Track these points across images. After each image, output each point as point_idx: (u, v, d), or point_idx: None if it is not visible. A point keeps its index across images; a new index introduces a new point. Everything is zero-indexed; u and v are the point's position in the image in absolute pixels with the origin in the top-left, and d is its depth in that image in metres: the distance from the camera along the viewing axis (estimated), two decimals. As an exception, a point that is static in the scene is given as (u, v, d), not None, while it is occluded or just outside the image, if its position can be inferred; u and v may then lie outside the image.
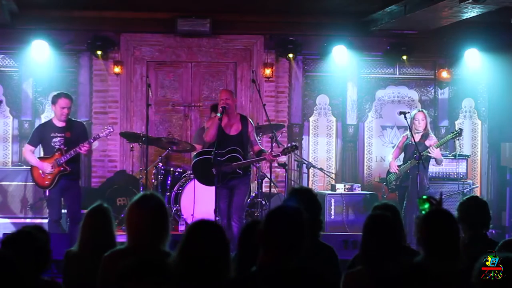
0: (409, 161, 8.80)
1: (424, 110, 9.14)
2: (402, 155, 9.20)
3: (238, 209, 7.70)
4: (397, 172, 8.93)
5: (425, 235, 3.47)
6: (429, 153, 8.65)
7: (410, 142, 8.87)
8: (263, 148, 7.93)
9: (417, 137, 8.79)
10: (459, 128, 9.37)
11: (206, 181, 7.84)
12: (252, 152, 8.01)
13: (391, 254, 3.62)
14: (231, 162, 7.60)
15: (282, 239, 2.99)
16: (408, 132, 9.00)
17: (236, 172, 7.65)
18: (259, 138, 8.56)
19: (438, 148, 8.84)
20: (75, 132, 8.01)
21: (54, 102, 8.01)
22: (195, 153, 8.20)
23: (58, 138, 7.95)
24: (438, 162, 8.93)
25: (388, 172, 9.23)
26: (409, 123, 8.80)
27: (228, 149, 7.63)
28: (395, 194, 9.15)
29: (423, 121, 8.82)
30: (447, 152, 10.38)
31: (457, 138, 9.47)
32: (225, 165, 7.59)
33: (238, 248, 3.62)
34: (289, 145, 8.41)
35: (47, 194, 8.14)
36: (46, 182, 7.96)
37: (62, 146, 7.91)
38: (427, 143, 8.78)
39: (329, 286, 3.09)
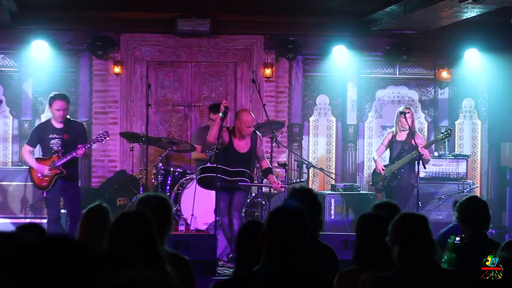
0: (400, 160, 8.81)
1: (411, 108, 9.18)
2: (387, 154, 9.23)
3: (239, 208, 7.81)
4: (382, 173, 8.96)
5: (397, 232, 3.45)
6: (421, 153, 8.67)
7: (398, 140, 8.91)
8: (270, 166, 7.96)
9: (404, 135, 8.85)
10: (449, 129, 9.40)
11: (212, 188, 7.94)
12: (259, 167, 8.07)
13: (386, 254, 3.62)
14: (238, 182, 7.70)
15: (285, 238, 3.00)
16: (394, 129, 9.04)
17: (239, 186, 7.76)
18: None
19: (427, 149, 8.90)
20: (74, 133, 8.02)
21: (50, 104, 8.05)
22: (199, 168, 8.21)
23: (56, 140, 7.96)
24: (425, 162, 8.83)
25: (375, 172, 9.24)
26: (395, 120, 8.90)
27: (236, 170, 7.67)
28: (380, 194, 9.21)
29: (410, 119, 8.85)
30: (447, 152, 10.38)
31: (447, 138, 9.45)
32: (232, 182, 7.70)
33: (236, 248, 3.63)
34: (298, 180, 8.63)
35: (45, 195, 8.19)
36: (44, 184, 8.01)
37: (59, 148, 7.93)
38: (416, 141, 8.79)
39: (330, 286, 3.10)
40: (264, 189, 9.32)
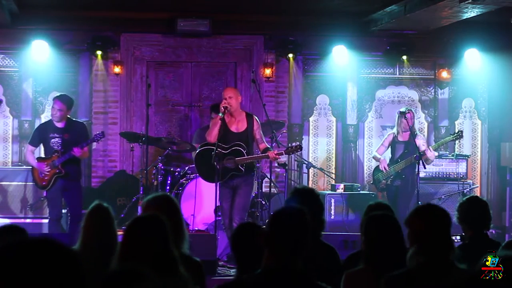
0: (404, 160, 8.83)
1: (412, 109, 9.21)
2: (388, 154, 9.24)
3: (240, 211, 7.66)
4: (385, 171, 8.98)
5: (418, 229, 3.46)
6: (426, 154, 8.69)
7: (400, 140, 8.94)
8: (269, 146, 7.91)
9: (406, 136, 8.88)
10: (460, 130, 9.39)
11: (207, 176, 7.83)
12: (258, 151, 8.01)
13: (396, 254, 3.62)
14: (235, 156, 7.61)
15: (287, 241, 2.99)
16: (395, 130, 9.08)
17: (238, 169, 7.63)
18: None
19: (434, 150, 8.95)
20: (74, 133, 8.04)
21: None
22: (199, 145, 8.19)
23: (57, 139, 8.00)
24: (428, 163, 8.92)
25: (376, 171, 9.25)
26: (396, 121, 8.93)
27: (232, 144, 7.65)
28: (381, 193, 9.22)
29: (410, 120, 8.88)
30: (447, 152, 10.38)
31: (458, 140, 9.48)
32: (227, 159, 7.60)
33: (233, 251, 3.63)
34: (293, 144, 8.43)
35: (45, 194, 8.21)
36: (44, 183, 8.06)
37: (59, 148, 7.96)
38: (417, 141, 8.82)
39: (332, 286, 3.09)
40: (264, 189, 9.33)
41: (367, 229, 3.81)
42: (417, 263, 3.36)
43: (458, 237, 4.77)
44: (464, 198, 4.80)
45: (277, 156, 7.77)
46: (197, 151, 7.95)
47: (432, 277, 3.31)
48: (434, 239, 3.40)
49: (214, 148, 7.51)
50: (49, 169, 7.96)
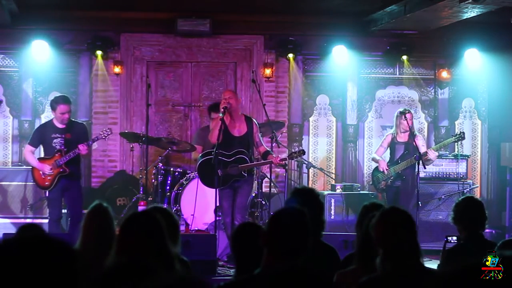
0: (405, 161, 8.84)
1: (411, 110, 9.23)
2: (387, 155, 9.25)
3: (242, 209, 7.75)
4: (386, 172, 8.98)
5: (380, 234, 3.43)
6: (427, 154, 8.70)
7: (400, 141, 8.96)
8: (269, 149, 7.94)
9: (405, 136, 8.89)
10: (462, 132, 9.39)
11: (210, 183, 7.83)
12: (257, 153, 8.03)
13: None
14: (238, 164, 7.64)
15: (287, 241, 2.99)
16: (393, 131, 9.09)
17: (241, 175, 7.69)
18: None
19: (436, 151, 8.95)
20: (76, 133, 8.05)
21: (53, 108, 8.07)
22: (200, 154, 8.22)
23: (59, 139, 8.00)
24: (429, 163, 8.98)
25: (376, 171, 9.25)
26: (395, 122, 8.94)
27: (235, 151, 7.66)
28: (381, 194, 9.22)
29: (410, 121, 8.90)
30: (447, 152, 10.38)
31: (460, 141, 9.48)
32: (231, 167, 7.62)
33: (233, 251, 3.63)
34: (296, 149, 8.47)
35: (47, 194, 8.20)
36: (46, 183, 8.02)
37: (62, 147, 7.95)
38: (417, 142, 8.83)
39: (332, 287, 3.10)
40: (264, 189, 9.32)
41: (361, 229, 3.81)
42: (383, 268, 3.33)
43: (454, 238, 4.76)
44: (460, 199, 4.79)
45: (282, 162, 7.83)
46: (200, 161, 7.95)
47: (401, 282, 3.29)
48: (398, 244, 3.35)
49: (214, 156, 7.53)
50: (53, 169, 7.95)
